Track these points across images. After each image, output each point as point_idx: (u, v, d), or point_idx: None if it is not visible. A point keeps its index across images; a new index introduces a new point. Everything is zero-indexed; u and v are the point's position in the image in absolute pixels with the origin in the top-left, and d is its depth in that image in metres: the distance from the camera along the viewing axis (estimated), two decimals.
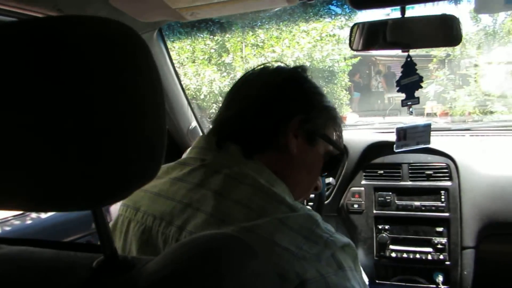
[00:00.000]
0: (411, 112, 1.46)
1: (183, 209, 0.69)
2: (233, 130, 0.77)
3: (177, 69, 1.81)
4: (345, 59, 10.32)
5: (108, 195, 0.41)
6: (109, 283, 0.47)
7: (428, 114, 8.04)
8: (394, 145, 1.60)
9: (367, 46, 1.39)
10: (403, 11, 1.25)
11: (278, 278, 0.56)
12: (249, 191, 0.68)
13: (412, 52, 1.38)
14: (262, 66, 0.83)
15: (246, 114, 0.77)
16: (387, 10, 1.30)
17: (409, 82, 1.41)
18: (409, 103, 1.43)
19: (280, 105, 0.77)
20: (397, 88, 1.40)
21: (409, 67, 1.40)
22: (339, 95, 9.82)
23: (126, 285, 0.46)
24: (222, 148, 0.76)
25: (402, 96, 1.39)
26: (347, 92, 10.60)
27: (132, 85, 0.42)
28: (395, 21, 1.31)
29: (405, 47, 1.33)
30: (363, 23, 1.36)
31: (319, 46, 9.16)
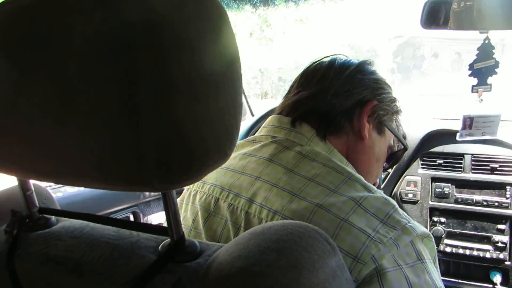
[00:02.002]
0: (481, 100, 1.35)
1: (252, 182, 0.69)
2: (308, 110, 0.76)
3: None
4: (389, 39, 9.97)
5: (182, 177, 0.38)
6: (177, 269, 0.45)
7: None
8: (458, 134, 1.49)
9: (439, 24, 1.29)
10: None
11: (352, 261, 0.55)
12: (322, 169, 0.66)
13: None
14: (331, 56, 0.83)
15: (324, 94, 0.76)
16: None
17: (484, 67, 1.30)
18: (480, 89, 1.32)
19: (356, 89, 0.76)
20: (470, 72, 1.30)
21: (485, 50, 1.28)
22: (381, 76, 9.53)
23: (195, 273, 0.43)
24: (295, 127, 0.75)
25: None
26: (390, 74, 10.28)
27: (211, 54, 0.39)
28: None
29: (485, 28, 1.22)
30: (437, 1, 1.25)
31: (363, 23, 8.86)
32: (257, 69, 8.17)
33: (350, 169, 0.70)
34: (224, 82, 0.40)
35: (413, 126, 1.68)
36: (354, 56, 0.84)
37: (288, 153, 0.70)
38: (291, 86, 0.83)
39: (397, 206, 0.62)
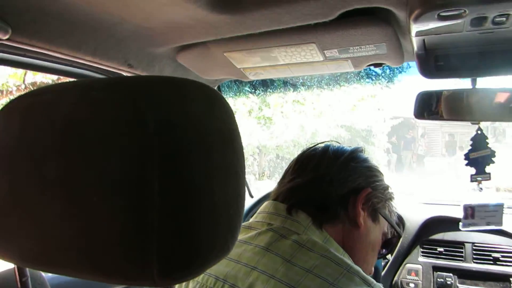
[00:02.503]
0: (481, 188, 1.35)
1: (248, 272, 0.67)
2: (304, 197, 0.76)
3: None
4: (384, 120, 10.25)
5: (184, 272, 0.37)
6: None
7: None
8: (460, 223, 1.47)
9: (432, 115, 1.34)
10: (474, 82, 1.20)
11: None
12: (320, 260, 0.65)
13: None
14: (324, 143, 0.85)
15: (319, 182, 0.77)
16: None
17: (479, 156, 1.32)
18: (479, 178, 1.33)
19: (351, 177, 0.78)
20: (466, 162, 1.32)
21: (479, 140, 1.32)
22: (375, 157, 9.66)
23: None
24: (291, 215, 0.74)
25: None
26: (386, 154, 10.43)
27: (219, 154, 0.40)
28: (462, 91, 1.26)
29: (472, 120, 1.27)
30: (426, 92, 1.32)
31: (359, 105, 9.17)
32: (255, 146, 8.29)
33: (348, 259, 0.69)
34: (230, 177, 0.41)
35: (412, 211, 1.67)
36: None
37: (285, 242, 0.69)
38: (286, 172, 0.84)
39: None
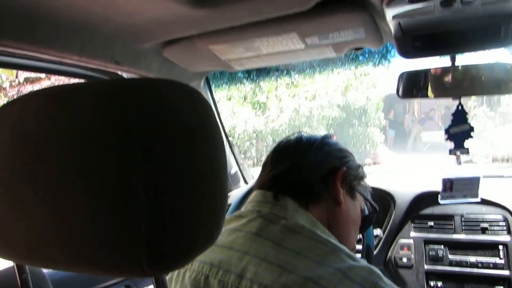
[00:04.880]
0: (460, 162, 1.40)
1: (241, 257, 0.70)
2: (287, 183, 0.81)
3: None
4: (378, 97, 10.20)
5: (172, 261, 0.40)
6: None
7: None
8: (439, 196, 1.53)
9: (414, 94, 1.37)
10: (453, 59, 1.23)
11: None
12: (309, 242, 0.70)
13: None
14: (296, 134, 0.92)
15: (299, 167, 0.82)
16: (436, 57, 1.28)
17: (459, 131, 1.37)
18: (458, 152, 1.38)
19: (326, 159, 0.84)
20: (446, 136, 1.36)
21: (459, 115, 1.35)
22: (372, 135, 9.66)
23: None
24: (278, 201, 0.79)
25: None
26: (381, 132, 10.42)
27: (200, 149, 0.42)
28: (444, 69, 1.29)
29: (456, 95, 1.30)
30: (411, 72, 1.34)
31: (353, 85, 9.15)
32: (251, 132, 8.31)
33: (333, 240, 0.74)
34: (213, 171, 0.43)
35: (401, 189, 1.72)
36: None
37: (274, 227, 0.73)
38: (265, 163, 0.89)
39: (381, 274, 0.65)
